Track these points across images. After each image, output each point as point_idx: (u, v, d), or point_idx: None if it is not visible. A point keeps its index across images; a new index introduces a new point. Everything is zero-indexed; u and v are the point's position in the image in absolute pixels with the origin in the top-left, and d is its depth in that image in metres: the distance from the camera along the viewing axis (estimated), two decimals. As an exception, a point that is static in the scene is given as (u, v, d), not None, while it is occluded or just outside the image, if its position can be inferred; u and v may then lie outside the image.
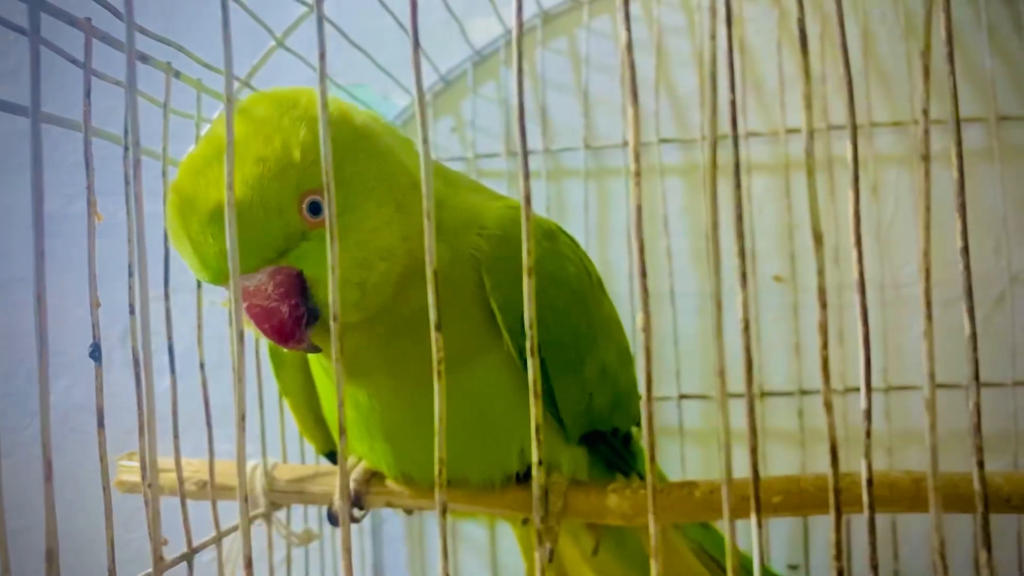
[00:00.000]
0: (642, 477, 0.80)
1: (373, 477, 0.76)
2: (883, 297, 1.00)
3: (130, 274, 0.57)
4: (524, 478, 0.72)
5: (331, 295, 0.46)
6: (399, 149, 0.65)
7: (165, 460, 0.77)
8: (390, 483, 0.75)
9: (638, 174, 0.41)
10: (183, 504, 0.63)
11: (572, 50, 1.06)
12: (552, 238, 0.71)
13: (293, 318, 0.59)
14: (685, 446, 1.03)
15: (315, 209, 0.59)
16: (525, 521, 0.78)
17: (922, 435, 1.04)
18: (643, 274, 0.42)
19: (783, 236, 1.01)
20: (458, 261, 0.67)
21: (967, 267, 0.40)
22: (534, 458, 0.47)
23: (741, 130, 1.02)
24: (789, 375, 1.01)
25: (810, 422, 1.01)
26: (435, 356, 0.47)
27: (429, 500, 0.74)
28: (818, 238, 0.39)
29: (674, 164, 1.04)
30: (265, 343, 0.79)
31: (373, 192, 0.61)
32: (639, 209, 0.42)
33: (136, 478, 0.79)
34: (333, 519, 0.78)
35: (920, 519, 0.98)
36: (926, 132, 0.38)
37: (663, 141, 1.03)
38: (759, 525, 0.44)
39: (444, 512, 0.46)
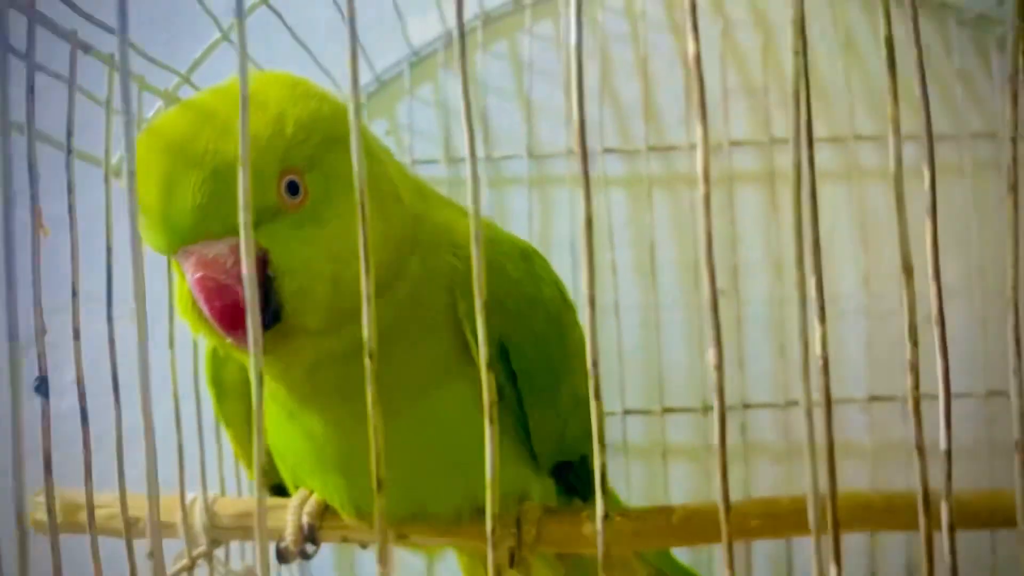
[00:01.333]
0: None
1: (326, 511, 0.70)
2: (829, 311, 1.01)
3: (73, 294, 0.50)
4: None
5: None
6: (383, 156, 0.61)
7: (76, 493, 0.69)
8: (345, 517, 0.69)
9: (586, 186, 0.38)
10: (129, 546, 0.56)
11: (513, 54, 1.02)
12: (528, 259, 0.67)
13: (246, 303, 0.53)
14: (629, 463, 1.01)
15: (293, 189, 0.54)
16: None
17: (859, 448, 1.05)
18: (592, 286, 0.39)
19: (726, 249, 1.01)
20: (430, 280, 0.63)
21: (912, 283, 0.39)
22: (488, 484, 0.44)
23: (684, 142, 1.01)
24: (732, 389, 1.01)
25: (752, 436, 1.01)
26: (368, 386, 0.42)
27: (390, 534, 0.69)
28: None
29: (617, 175, 1.02)
30: (202, 364, 0.72)
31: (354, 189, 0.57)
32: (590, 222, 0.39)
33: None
34: (282, 556, 0.72)
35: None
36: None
37: (607, 151, 1.00)
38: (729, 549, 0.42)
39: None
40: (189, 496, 0.70)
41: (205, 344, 0.72)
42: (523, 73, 1.02)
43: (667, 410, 1.00)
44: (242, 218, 0.39)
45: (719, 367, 0.36)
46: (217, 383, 0.70)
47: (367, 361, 0.40)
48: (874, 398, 1.00)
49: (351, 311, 0.57)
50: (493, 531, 0.61)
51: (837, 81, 1.01)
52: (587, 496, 0.78)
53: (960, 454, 1.03)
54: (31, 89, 0.49)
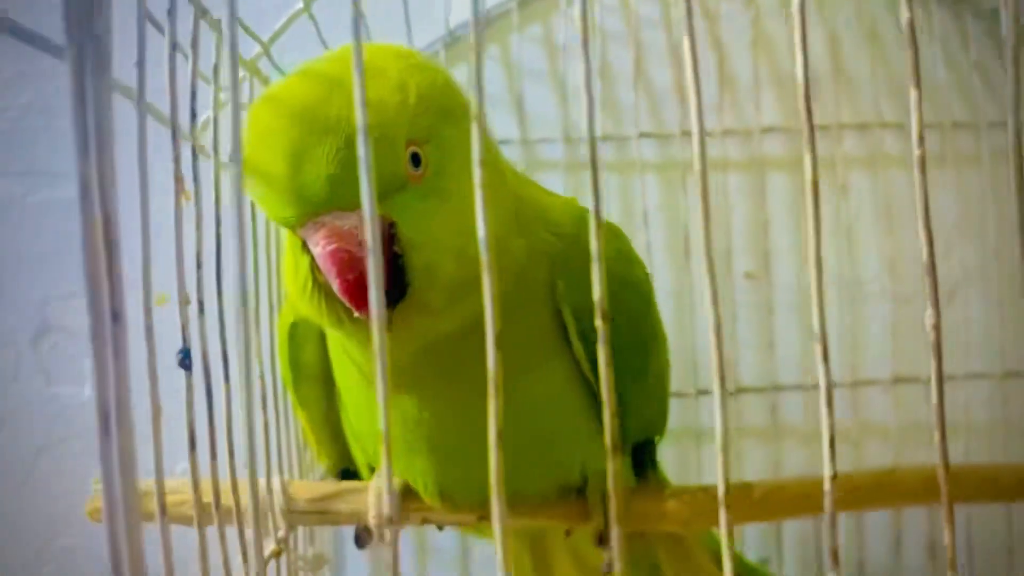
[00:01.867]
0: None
1: (408, 493, 0.69)
2: (850, 294, 1.03)
3: (198, 265, 0.49)
4: (582, 491, 0.69)
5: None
6: (488, 135, 0.60)
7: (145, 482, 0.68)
8: (426, 500, 0.68)
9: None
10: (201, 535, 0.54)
11: (548, 37, 1.02)
12: (618, 237, 0.67)
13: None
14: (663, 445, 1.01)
15: (416, 161, 0.54)
16: (568, 533, 0.74)
17: (884, 428, 1.08)
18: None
19: (757, 233, 1.02)
20: (531, 259, 0.62)
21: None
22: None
23: (717, 128, 1.02)
24: (762, 372, 1.03)
25: (783, 418, 1.02)
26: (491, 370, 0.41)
27: (468, 515, 0.69)
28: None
29: (652, 160, 1.02)
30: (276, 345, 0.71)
31: (470, 163, 0.56)
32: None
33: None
34: (360, 540, 0.71)
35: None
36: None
37: (643, 136, 1.01)
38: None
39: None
40: (260, 481, 0.69)
41: (280, 325, 0.70)
42: (557, 56, 1.02)
43: (700, 392, 1.01)
44: (364, 188, 0.37)
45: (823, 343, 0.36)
46: (294, 365, 0.69)
47: (491, 350, 0.39)
48: (898, 379, 1.02)
49: (468, 288, 0.57)
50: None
51: (862, 70, 1.03)
52: (647, 473, 0.78)
53: (976, 433, 1.07)
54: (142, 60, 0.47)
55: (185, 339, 0.45)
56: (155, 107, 0.46)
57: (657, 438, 0.76)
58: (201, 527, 0.44)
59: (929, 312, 0.38)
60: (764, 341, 1.02)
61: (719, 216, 1.03)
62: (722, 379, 0.39)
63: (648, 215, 1.00)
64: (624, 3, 1.02)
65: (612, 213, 1.01)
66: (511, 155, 1.00)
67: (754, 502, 0.70)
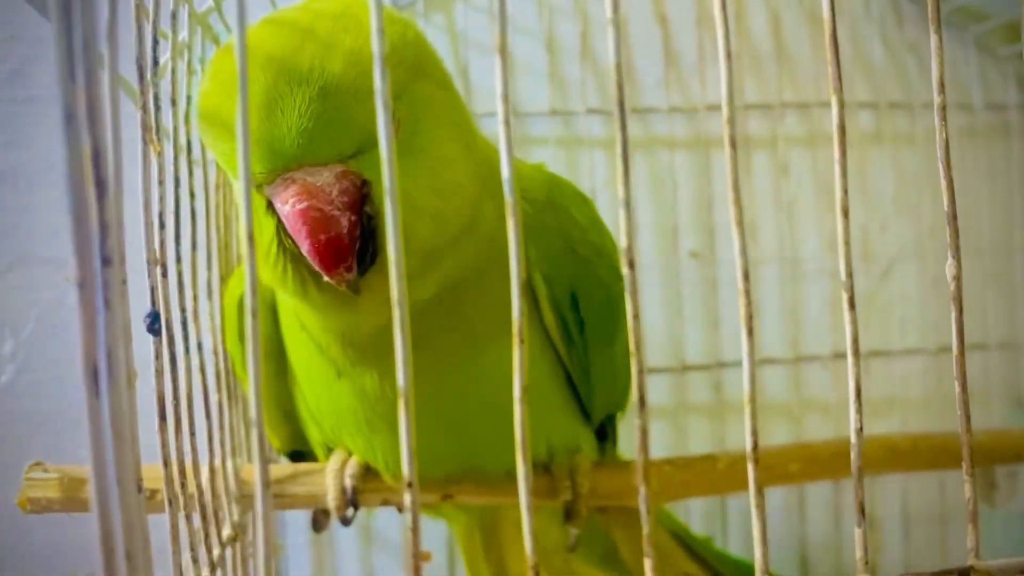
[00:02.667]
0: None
1: (368, 473, 0.66)
2: (791, 272, 1.04)
3: (161, 226, 0.45)
4: (547, 467, 0.67)
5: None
6: (456, 90, 0.58)
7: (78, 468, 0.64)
8: (387, 479, 0.66)
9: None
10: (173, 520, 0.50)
11: (494, 8, 1.00)
12: (589, 204, 0.66)
13: (352, 237, 0.49)
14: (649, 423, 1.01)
15: None
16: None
17: (825, 403, 1.10)
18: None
19: (701, 212, 1.02)
20: (504, 224, 0.60)
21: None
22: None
23: (664, 105, 1.01)
24: (707, 349, 1.03)
25: (727, 395, 1.03)
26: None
27: (431, 495, 0.66)
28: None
29: (599, 136, 1.01)
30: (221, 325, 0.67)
31: (442, 120, 0.54)
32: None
33: (48, 493, 0.64)
34: (317, 523, 0.68)
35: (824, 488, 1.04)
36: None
37: (590, 111, 1.00)
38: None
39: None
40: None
41: (226, 299, 0.67)
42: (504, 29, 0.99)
43: (649, 370, 1.00)
44: (382, 123, 0.35)
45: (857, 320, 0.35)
46: (244, 340, 0.65)
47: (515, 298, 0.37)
48: (838, 355, 1.04)
49: (443, 253, 0.54)
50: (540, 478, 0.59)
51: (803, 50, 1.05)
52: (607, 449, 0.77)
53: (913, 407, 1.09)
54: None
55: (154, 302, 0.41)
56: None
57: (619, 413, 0.75)
58: (172, 506, 0.41)
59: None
60: (709, 319, 1.03)
61: (666, 194, 1.02)
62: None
63: (596, 192, 0.99)
64: (570, -23, 1.00)
65: (559, 190, 0.99)
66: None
67: (719, 474, 0.69)
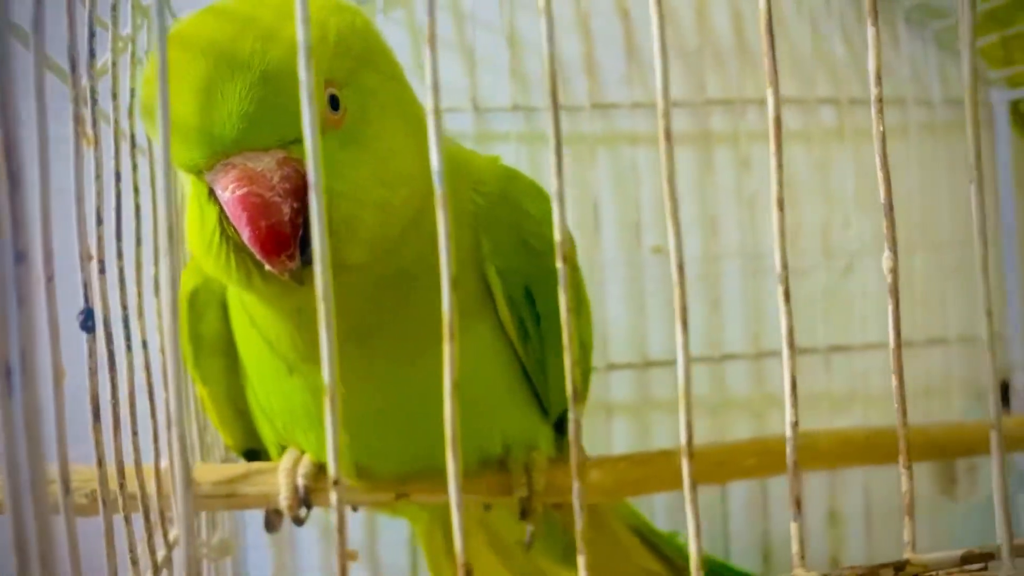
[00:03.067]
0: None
1: (321, 471, 0.66)
2: (753, 267, 1.05)
3: (99, 221, 0.44)
4: (503, 463, 0.67)
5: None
6: (406, 80, 0.58)
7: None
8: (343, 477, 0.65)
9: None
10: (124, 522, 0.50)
11: (455, 4, 0.99)
12: (544, 198, 0.65)
13: (294, 225, 0.48)
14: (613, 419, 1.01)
15: (334, 104, 0.50)
16: (488, 507, 0.72)
17: (782, 397, 1.10)
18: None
19: (663, 207, 1.02)
20: (457, 218, 0.59)
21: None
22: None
23: (626, 100, 1.01)
24: (670, 344, 1.03)
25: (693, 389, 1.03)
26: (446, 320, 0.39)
27: (387, 494, 0.66)
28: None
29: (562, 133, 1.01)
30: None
31: (390, 110, 0.53)
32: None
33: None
34: (270, 524, 0.67)
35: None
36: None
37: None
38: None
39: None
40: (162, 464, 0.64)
41: (179, 293, 0.66)
42: (465, 24, 0.99)
43: (611, 366, 1.00)
44: (306, 118, 0.34)
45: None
46: (194, 337, 0.64)
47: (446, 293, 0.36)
48: (800, 350, 1.04)
49: (389, 244, 0.54)
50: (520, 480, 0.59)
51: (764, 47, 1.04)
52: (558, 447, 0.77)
53: (873, 401, 1.10)
54: None
55: (87, 298, 0.40)
56: (50, 57, 0.41)
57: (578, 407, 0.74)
58: (107, 512, 0.40)
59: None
60: (672, 314, 1.02)
61: (629, 189, 1.02)
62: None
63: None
64: (531, -29, 1.00)
65: (521, 186, 0.99)
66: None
67: (676, 469, 0.69)
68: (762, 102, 1.04)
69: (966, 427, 0.76)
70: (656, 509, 1.01)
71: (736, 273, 1.05)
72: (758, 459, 0.70)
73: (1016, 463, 1.09)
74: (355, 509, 0.74)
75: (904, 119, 1.07)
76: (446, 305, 0.34)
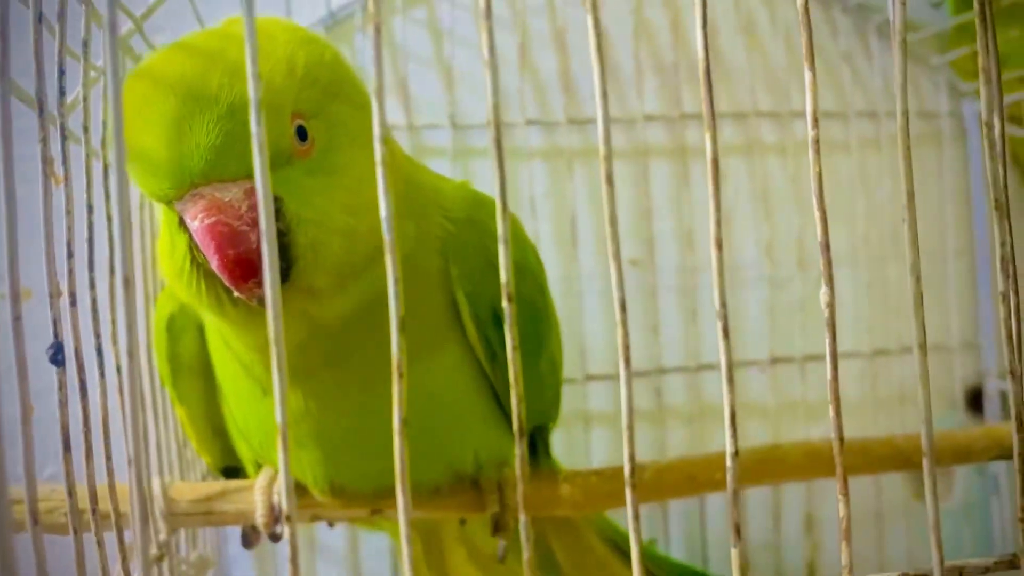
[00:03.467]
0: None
1: (296, 489, 0.67)
2: (729, 279, 1.06)
3: (69, 255, 0.46)
4: (476, 480, 0.68)
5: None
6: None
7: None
8: (316, 495, 0.67)
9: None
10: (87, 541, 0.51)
11: (432, 21, 1.00)
12: (514, 223, 0.67)
13: (260, 252, 0.50)
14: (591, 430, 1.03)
15: (302, 135, 0.52)
16: (463, 522, 0.73)
17: (763, 408, 1.11)
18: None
19: (640, 220, 1.04)
20: (424, 243, 0.61)
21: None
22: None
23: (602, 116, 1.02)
24: (647, 354, 1.04)
25: (668, 400, 1.04)
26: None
27: (360, 510, 0.67)
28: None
29: (538, 147, 1.02)
30: (152, 342, 0.67)
31: (358, 140, 0.55)
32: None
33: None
34: (247, 540, 0.68)
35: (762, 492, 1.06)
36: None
37: (529, 123, 1.01)
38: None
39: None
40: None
41: (156, 317, 0.67)
42: (443, 40, 1.00)
43: (589, 377, 1.02)
44: (256, 157, 0.36)
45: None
46: (172, 359, 0.66)
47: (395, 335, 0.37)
48: (775, 360, 1.06)
49: (357, 270, 0.55)
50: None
51: (738, 60, 1.06)
52: (539, 460, 0.79)
53: (847, 409, 1.11)
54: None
55: (56, 333, 0.41)
56: (17, 84, 0.42)
57: (550, 424, 0.76)
58: (77, 534, 0.41)
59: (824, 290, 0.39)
60: (649, 325, 1.04)
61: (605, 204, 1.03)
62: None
63: (535, 202, 1.01)
64: (509, -11, 1.01)
65: (499, 200, 1.00)
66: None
67: (646, 483, 0.71)
68: (737, 116, 1.06)
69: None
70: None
71: (712, 285, 1.06)
72: (725, 473, 0.71)
73: (988, 468, 1.11)
74: (331, 525, 0.75)
75: (877, 131, 1.09)
76: (395, 347, 0.36)
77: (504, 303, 0.37)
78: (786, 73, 1.07)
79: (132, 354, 0.30)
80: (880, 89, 1.09)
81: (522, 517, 0.38)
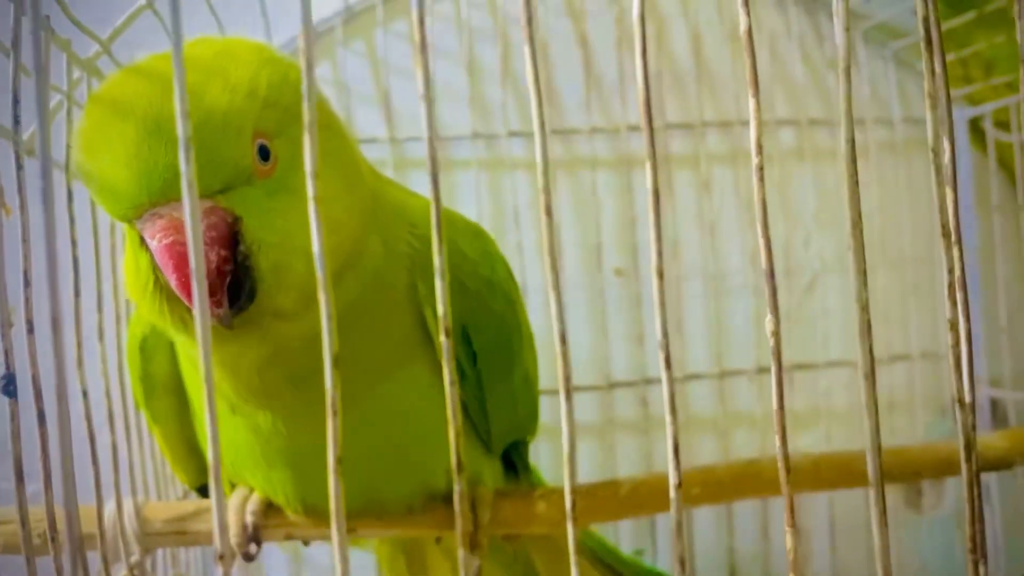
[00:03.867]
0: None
1: (269, 508, 0.67)
2: (715, 287, 1.06)
3: (26, 283, 0.46)
4: (449, 497, 0.68)
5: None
6: (342, 130, 0.59)
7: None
8: (289, 514, 0.66)
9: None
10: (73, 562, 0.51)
11: (414, 33, 1.00)
12: (480, 237, 0.67)
13: (220, 272, 0.50)
14: (536, 442, 1.02)
15: (264, 154, 0.52)
16: (439, 540, 0.73)
17: (751, 417, 1.11)
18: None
19: (625, 230, 1.04)
20: (390, 260, 0.61)
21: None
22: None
23: (586, 125, 1.02)
24: (633, 365, 1.04)
25: (653, 410, 1.04)
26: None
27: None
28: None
29: (522, 158, 1.02)
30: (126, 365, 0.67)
31: (324, 159, 0.55)
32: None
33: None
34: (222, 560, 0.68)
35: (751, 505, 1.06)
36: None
37: (512, 134, 1.01)
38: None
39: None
40: (110, 504, 0.65)
41: (129, 337, 0.67)
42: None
43: (573, 389, 1.01)
44: (185, 195, 0.36)
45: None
46: (145, 378, 0.66)
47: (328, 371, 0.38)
48: (762, 369, 1.06)
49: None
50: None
51: (724, 69, 1.06)
52: (520, 474, 0.78)
53: (836, 419, 1.11)
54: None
55: (8, 364, 0.41)
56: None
57: (528, 438, 0.76)
58: (30, 563, 0.41)
59: (769, 318, 0.39)
60: (634, 335, 1.04)
61: (590, 213, 1.03)
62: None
63: (519, 213, 1.00)
64: (491, 2, 1.01)
65: (483, 211, 1.00)
66: (379, 154, 0.98)
67: (621, 500, 0.70)
68: (722, 125, 1.06)
69: (910, 451, 0.77)
70: (621, 531, 1.03)
71: (699, 294, 1.06)
72: (702, 488, 0.71)
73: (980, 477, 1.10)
74: (306, 543, 0.75)
75: (864, 139, 1.08)
76: (328, 383, 0.35)
77: (442, 337, 0.37)
78: (771, 80, 1.07)
79: (60, 397, 0.30)
80: (867, 96, 1.09)
81: (461, 553, 0.38)
